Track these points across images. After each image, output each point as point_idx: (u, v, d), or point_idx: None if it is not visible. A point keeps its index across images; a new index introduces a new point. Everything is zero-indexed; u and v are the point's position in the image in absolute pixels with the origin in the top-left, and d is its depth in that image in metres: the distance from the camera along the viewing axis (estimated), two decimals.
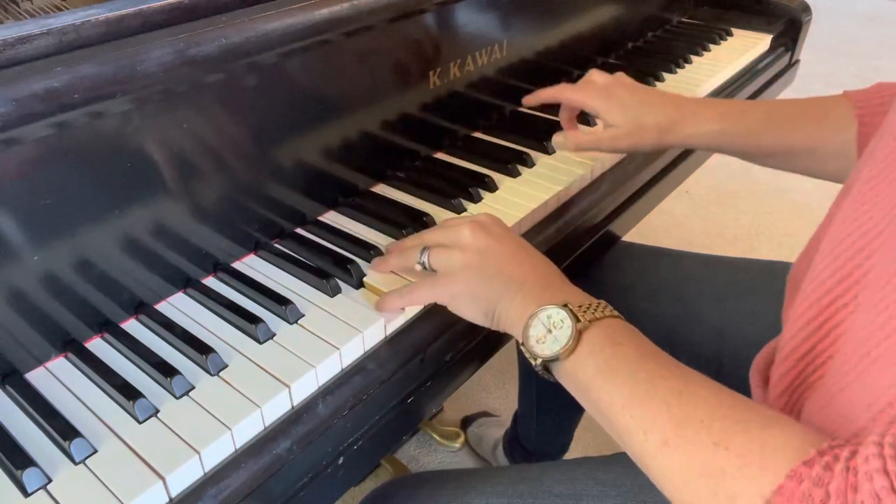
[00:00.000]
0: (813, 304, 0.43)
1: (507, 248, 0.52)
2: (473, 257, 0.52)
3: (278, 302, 0.56)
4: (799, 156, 0.68)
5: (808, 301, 0.44)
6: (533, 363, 0.47)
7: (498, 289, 0.50)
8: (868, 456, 0.33)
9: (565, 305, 0.46)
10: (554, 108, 0.90)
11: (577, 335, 0.45)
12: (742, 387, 0.45)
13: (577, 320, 0.45)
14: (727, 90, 1.03)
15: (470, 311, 0.52)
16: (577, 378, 0.45)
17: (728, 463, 0.37)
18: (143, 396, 0.48)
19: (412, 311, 0.58)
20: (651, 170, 0.86)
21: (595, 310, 0.46)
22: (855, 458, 0.34)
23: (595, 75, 0.74)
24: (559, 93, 0.74)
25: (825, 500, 0.34)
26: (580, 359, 0.45)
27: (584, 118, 0.87)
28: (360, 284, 0.59)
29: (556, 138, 0.75)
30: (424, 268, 0.55)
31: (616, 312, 0.48)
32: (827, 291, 0.42)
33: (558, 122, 0.85)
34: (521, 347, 0.48)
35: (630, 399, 0.42)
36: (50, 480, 0.43)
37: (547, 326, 0.47)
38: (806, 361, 0.44)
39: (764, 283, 0.76)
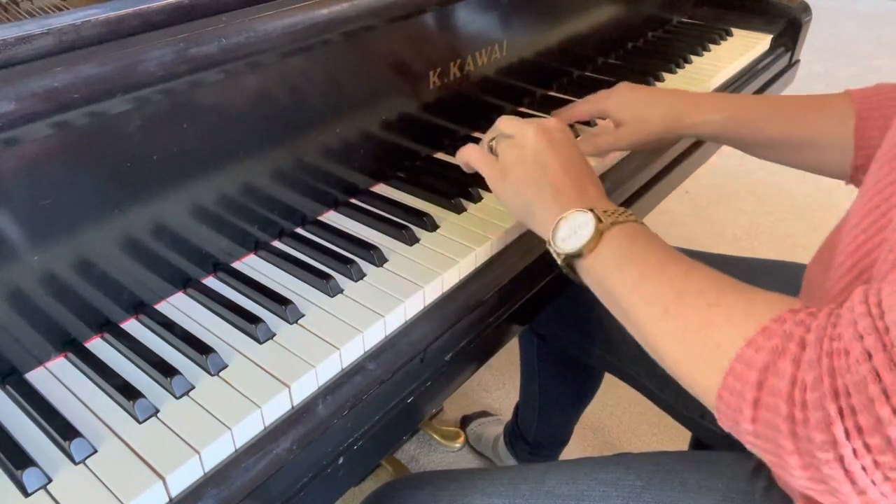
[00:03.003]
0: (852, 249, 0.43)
1: (560, 157, 0.57)
2: (528, 156, 0.57)
3: (278, 302, 0.56)
4: (799, 147, 0.69)
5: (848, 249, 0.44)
6: (558, 260, 0.52)
7: (539, 191, 0.55)
8: (854, 304, 0.35)
9: (591, 210, 0.51)
10: (553, 107, 0.90)
11: (599, 234, 0.49)
12: None
13: (600, 221, 0.50)
14: (727, 90, 1.03)
15: (509, 200, 0.58)
16: (597, 271, 0.50)
17: (718, 316, 0.41)
18: (143, 396, 0.48)
19: (412, 310, 0.58)
20: (651, 170, 0.86)
21: (619, 215, 0.51)
22: (841, 307, 0.36)
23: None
24: (572, 113, 0.79)
25: (804, 335, 0.36)
26: (600, 254, 0.49)
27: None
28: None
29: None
30: (491, 150, 0.62)
31: (640, 220, 0.51)
32: (865, 229, 0.43)
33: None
34: (549, 248, 0.53)
35: (640, 280, 0.47)
36: (50, 480, 0.43)
37: (573, 228, 0.51)
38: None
39: (767, 283, 0.76)
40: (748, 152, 0.73)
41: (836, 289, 0.44)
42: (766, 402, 0.36)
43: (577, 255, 0.50)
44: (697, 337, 0.41)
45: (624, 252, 0.49)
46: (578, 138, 0.77)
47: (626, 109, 0.73)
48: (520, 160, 0.57)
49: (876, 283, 0.35)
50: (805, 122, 0.68)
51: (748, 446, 0.39)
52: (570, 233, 0.51)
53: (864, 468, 0.33)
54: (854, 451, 0.32)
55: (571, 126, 0.82)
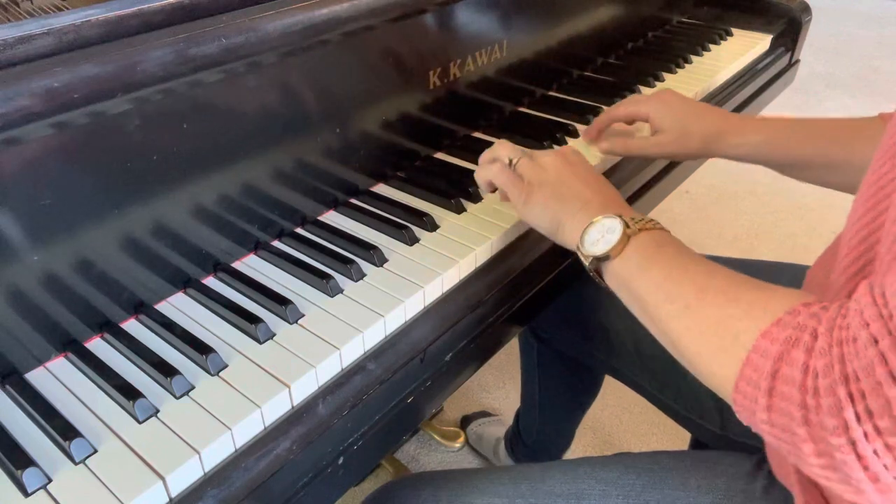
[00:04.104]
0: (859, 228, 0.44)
1: (580, 174, 0.60)
2: (551, 175, 0.60)
3: (278, 302, 0.56)
4: (835, 168, 0.69)
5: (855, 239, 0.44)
6: (586, 264, 0.54)
7: (566, 204, 0.58)
8: (860, 295, 0.36)
9: (619, 216, 0.53)
10: (553, 107, 0.90)
11: (626, 239, 0.51)
12: None
13: (628, 227, 0.52)
14: (727, 90, 1.03)
15: (537, 217, 0.60)
16: (623, 273, 0.51)
17: (737, 310, 0.42)
18: (143, 396, 0.48)
19: (412, 310, 0.58)
20: (651, 170, 0.86)
21: (646, 222, 0.52)
22: (850, 300, 0.37)
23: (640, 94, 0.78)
24: (613, 113, 0.78)
25: (816, 328, 0.37)
26: (626, 257, 0.51)
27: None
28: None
29: (603, 145, 0.77)
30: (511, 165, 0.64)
31: (666, 228, 0.53)
32: (868, 223, 0.43)
33: (558, 122, 0.86)
34: (577, 252, 0.55)
35: (663, 279, 0.48)
36: (50, 480, 0.43)
37: (601, 232, 0.53)
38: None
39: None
40: (784, 173, 0.73)
41: (840, 280, 0.44)
42: (780, 391, 0.37)
43: (605, 257, 0.52)
44: (717, 330, 0.42)
45: (650, 255, 0.50)
46: (607, 138, 0.77)
47: (670, 117, 0.72)
48: (543, 179, 0.60)
49: (879, 275, 0.36)
50: (841, 143, 0.68)
51: (764, 436, 0.40)
52: (598, 237, 0.53)
53: (875, 452, 0.33)
54: (865, 434, 0.33)
55: None
